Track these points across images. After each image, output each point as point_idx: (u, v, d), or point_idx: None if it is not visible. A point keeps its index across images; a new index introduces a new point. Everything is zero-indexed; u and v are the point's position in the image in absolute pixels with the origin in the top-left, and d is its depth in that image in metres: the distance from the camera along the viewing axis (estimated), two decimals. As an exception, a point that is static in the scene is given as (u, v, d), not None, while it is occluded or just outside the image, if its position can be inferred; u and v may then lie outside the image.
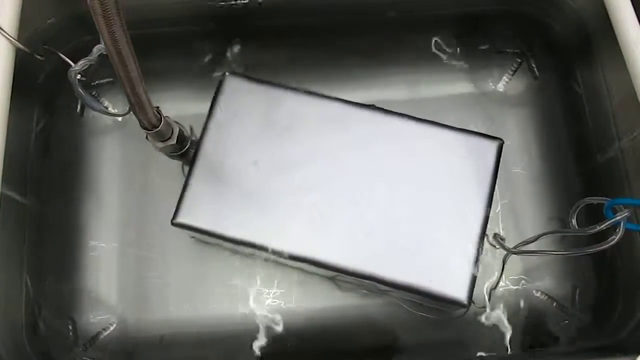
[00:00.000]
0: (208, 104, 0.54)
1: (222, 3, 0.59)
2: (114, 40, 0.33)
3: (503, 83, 0.65)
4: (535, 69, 0.65)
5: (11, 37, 0.42)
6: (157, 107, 0.44)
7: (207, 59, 0.65)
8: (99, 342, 0.58)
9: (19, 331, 0.53)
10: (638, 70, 0.40)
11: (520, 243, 0.47)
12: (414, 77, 0.65)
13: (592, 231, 0.40)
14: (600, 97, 0.56)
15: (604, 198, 0.41)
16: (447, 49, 0.65)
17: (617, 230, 0.39)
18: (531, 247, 0.47)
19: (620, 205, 0.39)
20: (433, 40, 0.65)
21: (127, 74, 0.37)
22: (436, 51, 0.65)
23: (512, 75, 0.65)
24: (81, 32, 0.58)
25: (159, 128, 0.44)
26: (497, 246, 0.51)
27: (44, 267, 0.58)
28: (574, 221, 0.43)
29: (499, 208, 0.60)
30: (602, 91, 0.55)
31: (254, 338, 0.56)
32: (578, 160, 0.61)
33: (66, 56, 0.46)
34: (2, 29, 0.41)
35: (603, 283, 0.57)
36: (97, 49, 0.43)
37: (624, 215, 0.38)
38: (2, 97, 0.42)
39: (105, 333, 0.58)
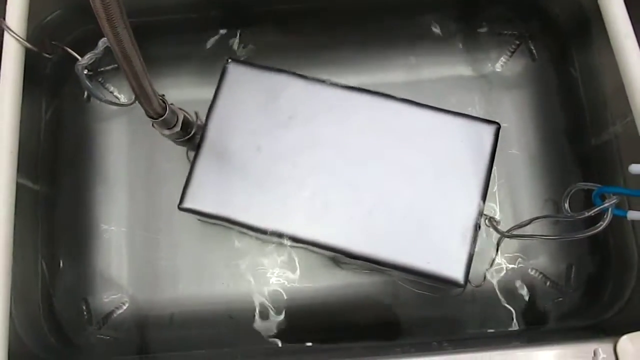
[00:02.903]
0: (213, 89, 0.54)
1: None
2: (118, 40, 0.34)
3: (501, 64, 0.65)
4: (534, 51, 0.65)
5: (20, 37, 0.42)
6: (162, 96, 0.45)
7: (210, 45, 0.65)
8: (111, 320, 0.60)
9: (36, 312, 0.55)
10: (627, 64, 0.40)
11: (514, 227, 0.49)
12: (413, 60, 0.65)
13: (581, 217, 0.41)
14: (595, 81, 0.56)
15: (594, 184, 0.42)
16: (446, 32, 0.65)
17: (605, 217, 0.40)
18: (525, 229, 0.49)
19: (610, 193, 0.40)
20: (432, 23, 0.65)
21: (132, 69, 0.38)
22: (435, 34, 0.65)
23: (510, 56, 0.65)
24: (85, 21, 0.59)
25: (164, 117, 0.45)
26: (492, 229, 0.52)
27: (58, 250, 0.60)
28: (566, 205, 0.44)
29: (495, 188, 0.61)
30: (597, 75, 0.56)
31: (259, 316, 0.58)
32: (574, 142, 0.62)
33: (71, 45, 0.47)
34: (12, 30, 0.42)
35: (596, 263, 0.58)
36: (102, 43, 0.44)
37: (612, 202, 0.39)
38: (14, 97, 0.43)
39: (118, 312, 0.60)
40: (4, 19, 0.44)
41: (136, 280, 0.61)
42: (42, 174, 0.59)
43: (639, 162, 0.40)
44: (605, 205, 0.40)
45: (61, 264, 0.60)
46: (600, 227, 0.40)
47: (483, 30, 0.65)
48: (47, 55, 0.47)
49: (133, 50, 0.36)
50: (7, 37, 0.43)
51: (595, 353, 0.40)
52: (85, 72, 0.42)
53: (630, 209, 0.41)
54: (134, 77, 0.39)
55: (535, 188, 0.61)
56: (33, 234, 0.57)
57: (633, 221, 0.53)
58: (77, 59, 0.43)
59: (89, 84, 0.44)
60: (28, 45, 0.44)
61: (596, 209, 0.40)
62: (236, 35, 0.65)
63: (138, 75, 0.39)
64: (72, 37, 0.59)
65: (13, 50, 0.43)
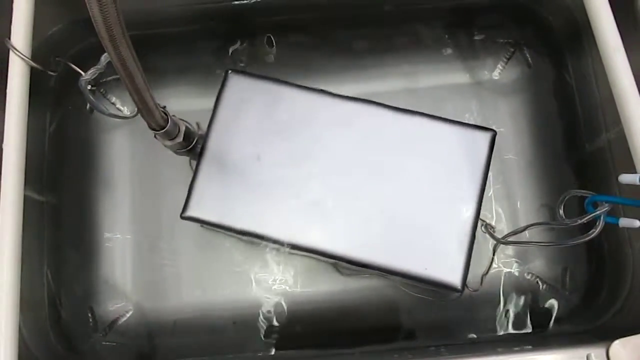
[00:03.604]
0: (213, 100, 0.55)
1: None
2: (120, 58, 0.35)
3: (497, 71, 0.66)
4: (529, 58, 0.66)
5: (26, 57, 0.43)
6: (164, 107, 0.45)
7: (210, 56, 0.66)
8: (117, 328, 0.61)
9: (42, 321, 0.56)
10: (616, 77, 0.40)
11: (509, 233, 0.49)
12: (411, 69, 0.66)
13: (574, 224, 0.42)
14: (589, 88, 0.57)
15: (587, 192, 0.42)
16: (442, 40, 0.66)
17: (597, 224, 0.41)
18: (520, 235, 0.49)
19: (602, 201, 0.41)
20: (429, 32, 0.66)
21: (134, 85, 0.39)
22: (431, 42, 0.66)
23: (506, 63, 0.66)
24: (87, 35, 0.60)
25: (166, 128, 0.45)
26: (488, 235, 0.53)
27: (63, 260, 0.61)
28: (561, 211, 0.44)
29: (491, 193, 0.62)
30: (591, 82, 0.56)
31: (261, 321, 0.59)
32: (568, 148, 0.62)
33: (73, 57, 0.48)
34: (17, 50, 0.43)
35: (591, 268, 0.59)
36: (105, 58, 0.44)
37: (603, 210, 0.40)
38: (21, 115, 0.44)
39: (123, 319, 0.61)
40: (9, 38, 0.45)
41: (140, 288, 0.62)
42: (47, 185, 0.60)
43: (631, 168, 0.41)
44: (597, 213, 0.40)
45: (66, 273, 0.61)
46: (592, 235, 0.41)
47: (479, 38, 0.66)
48: (51, 73, 0.48)
49: (135, 68, 0.37)
50: (13, 56, 0.44)
51: (588, 358, 0.40)
52: (89, 87, 0.43)
53: (624, 215, 0.41)
54: (136, 92, 0.40)
55: (531, 193, 0.62)
56: (38, 243, 0.58)
57: (626, 228, 0.53)
58: (81, 75, 0.44)
59: (92, 99, 0.45)
60: (33, 64, 0.44)
61: (589, 216, 0.41)
62: (236, 46, 0.66)
63: (140, 90, 0.39)
64: (74, 51, 0.60)
65: (19, 68, 0.44)
